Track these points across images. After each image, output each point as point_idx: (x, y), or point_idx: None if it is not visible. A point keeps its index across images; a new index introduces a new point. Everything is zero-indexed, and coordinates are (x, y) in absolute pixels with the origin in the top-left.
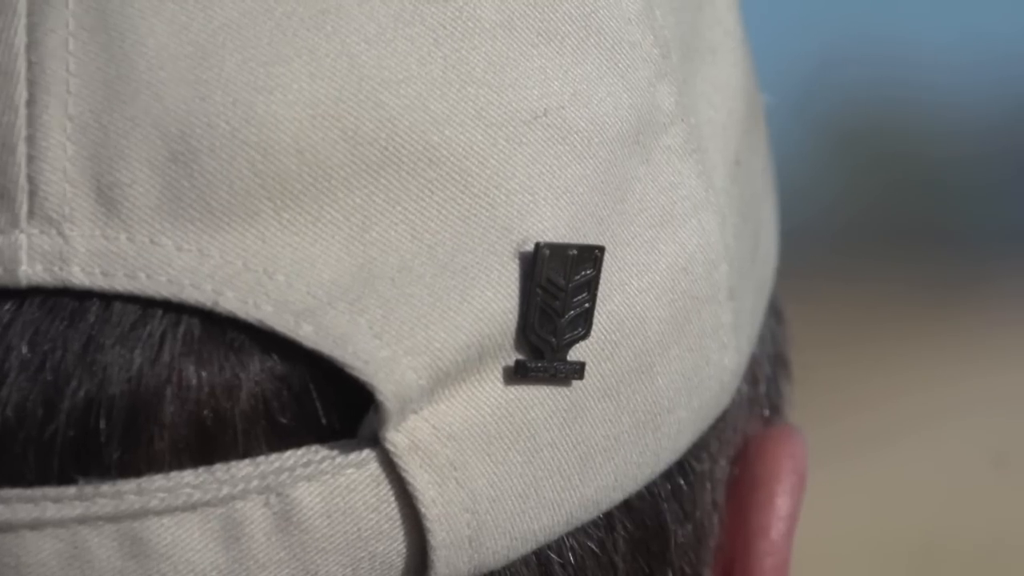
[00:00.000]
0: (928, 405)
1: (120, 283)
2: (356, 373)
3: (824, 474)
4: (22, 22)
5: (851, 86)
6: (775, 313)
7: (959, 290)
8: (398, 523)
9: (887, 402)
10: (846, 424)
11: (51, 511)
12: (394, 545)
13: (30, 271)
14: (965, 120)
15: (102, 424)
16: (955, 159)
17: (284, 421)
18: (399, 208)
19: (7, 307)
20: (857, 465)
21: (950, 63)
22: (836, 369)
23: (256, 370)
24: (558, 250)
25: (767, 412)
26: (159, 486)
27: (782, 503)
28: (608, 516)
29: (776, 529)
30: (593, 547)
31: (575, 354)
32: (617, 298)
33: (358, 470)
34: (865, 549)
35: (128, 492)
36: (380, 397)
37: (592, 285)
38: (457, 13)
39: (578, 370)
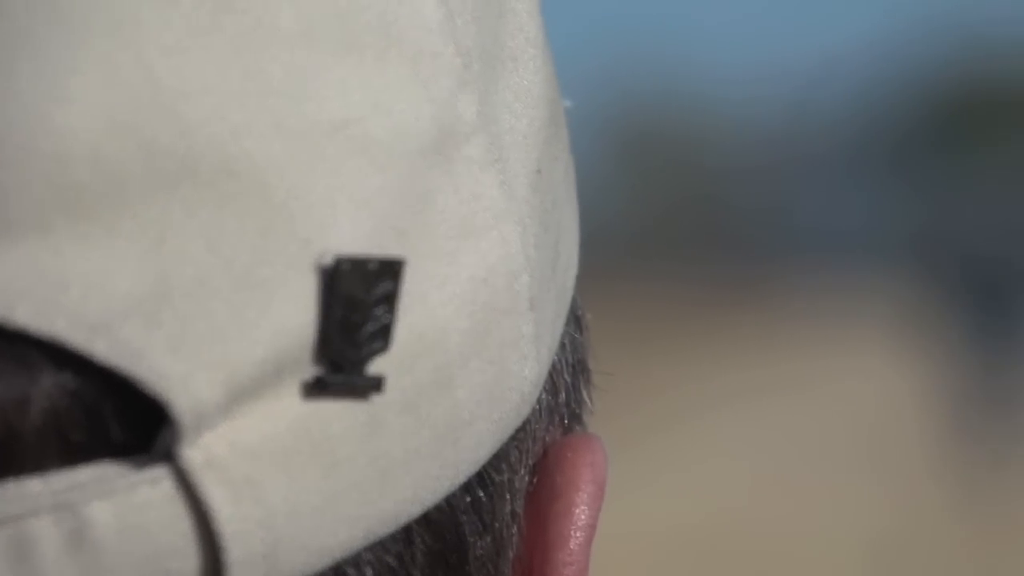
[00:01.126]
0: (708, 396)
1: None
2: (150, 388)
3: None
4: None
5: (641, 94)
6: (575, 321)
7: (741, 290)
8: (193, 540)
9: (667, 394)
10: (633, 417)
11: None
12: (189, 563)
13: None
14: (748, 129)
15: None
16: (739, 166)
17: (77, 438)
18: (197, 221)
19: None
20: (642, 455)
21: (736, 75)
22: (627, 367)
23: (48, 385)
24: (358, 263)
25: (567, 421)
26: None
27: (581, 513)
28: (407, 530)
29: (575, 539)
30: (391, 561)
31: (375, 368)
32: (417, 311)
33: (152, 487)
34: (651, 538)
35: None
36: (175, 413)
37: (392, 299)
38: (256, 23)
39: (377, 384)
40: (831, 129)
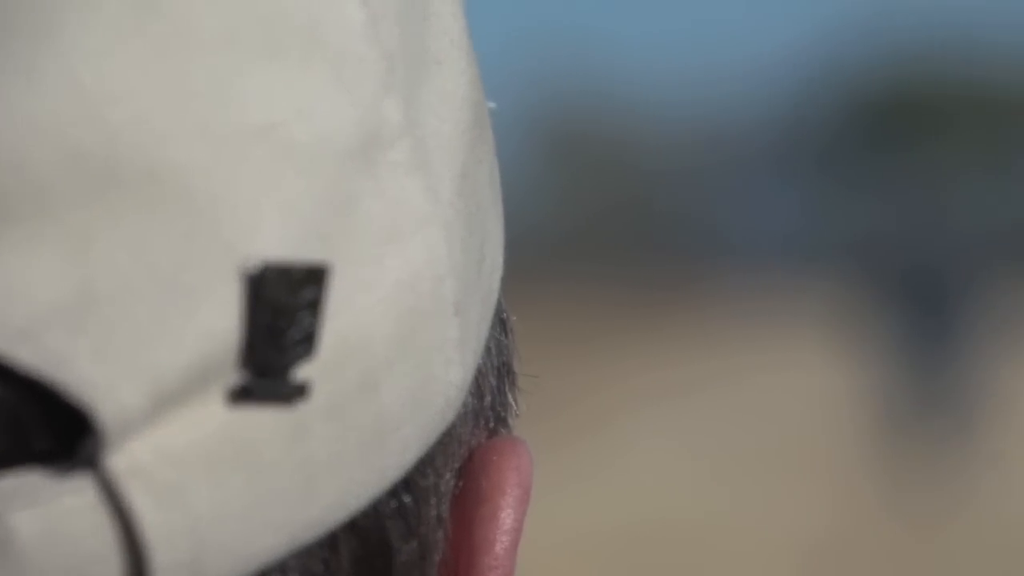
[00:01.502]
0: (636, 398)
1: None
2: (74, 396)
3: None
4: None
5: (568, 97)
6: (501, 324)
7: (669, 291)
8: (118, 548)
9: (594, 396)
10: (558, 419)
11: None
12: (114, 570)
13: None
14: (677, 131)
15: None
16: (668, 169)
17: (1, 447)
18: (122, 226)
19: None
20: (568, 457)
21: (665, 78)
22: (553, 369)
23: None
24: (283, 269)
25: (492, 424)
26: None
27: (506, 516)
28: (333, 536)
29: (500, 543)
30: (317, 568)
31: (300, 374)
32: (343, 316)
33: (77, 496)
34: (578, 541)
35: None
36: (99, 420)
37: (317, 305)
38: (179, 28)
39: (302, 390)
40: (759, 131)
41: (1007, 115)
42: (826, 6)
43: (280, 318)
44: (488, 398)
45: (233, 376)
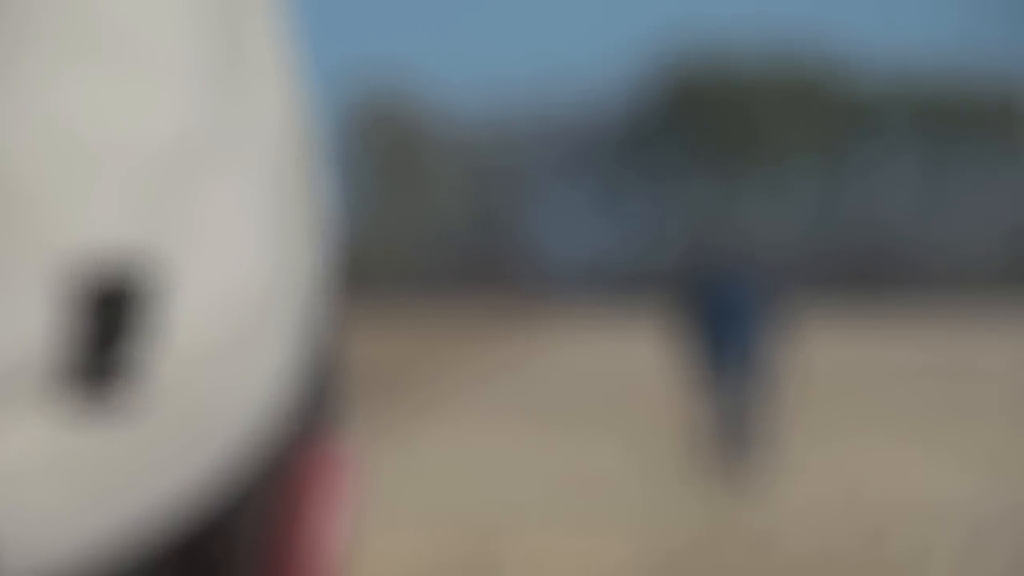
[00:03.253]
0: (461, 409)
1: None
2: None
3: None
4: None
5: (373, 111)
6: (324, 331)
7: (490, 304)
8: None
9: (419, 403)
10: (384, 426)
11: None
12: None
13: None
14: (477, 143)
15: None
16: (486, 173)
17: None
18: None
19: None
20: (395, 463)
21: (460, 89)
22: (380, 377)
23: None
24: (105, 276)
25: (316, 431)
26: None
27: (330, 523)
28: (151, 543)
29: (324, 548)
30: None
31: (120, 382)
32: (172, 322)
33: None
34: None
35: None
36: None
37: (141, 311)
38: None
39: (123, 398)
40: (556, 139)
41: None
42: (623, 17)
43: (101, 323)
44: (313, 406)
45: (51, 385)
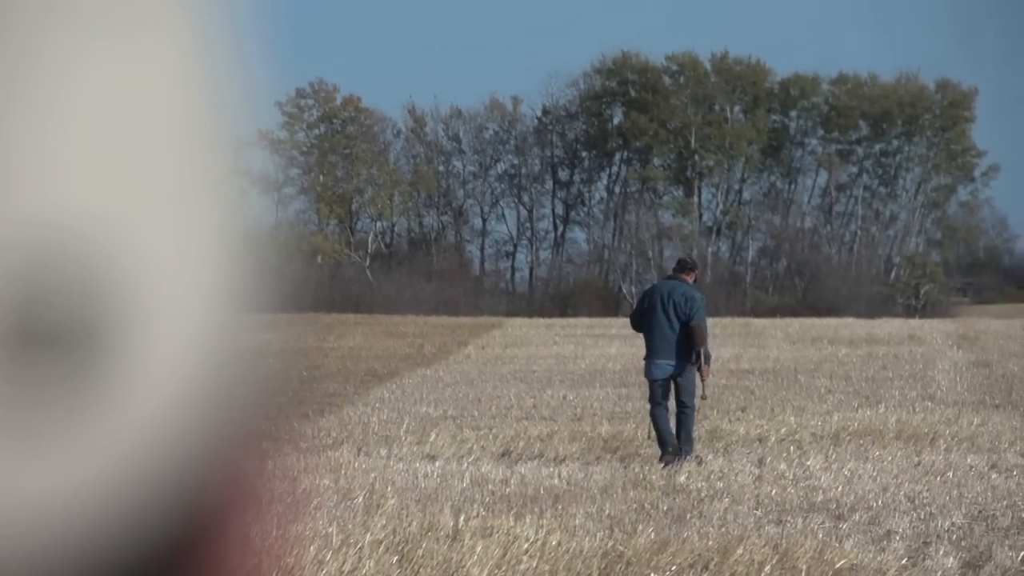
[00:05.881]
0: None
1: None
2: None
3: None
4: None
5: None
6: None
7: None
8: None
9: None
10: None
11: None
12: None
13: None
14: None
15: None
16: None
17: None
18: None
19: None
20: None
21: None
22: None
23: None
24: (55, 242)
25: (244, 426)
26: None
27: (238, 528)
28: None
29: (250, 546)
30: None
31: (63, 345)
32: (115, 287)
33: None
34: None
35: None
36: None
37: (86, 276)
38: None
39: (66, 361)
40: None
41: None
42: None
43: (43, 284)
44: (239, 395)
45: None
